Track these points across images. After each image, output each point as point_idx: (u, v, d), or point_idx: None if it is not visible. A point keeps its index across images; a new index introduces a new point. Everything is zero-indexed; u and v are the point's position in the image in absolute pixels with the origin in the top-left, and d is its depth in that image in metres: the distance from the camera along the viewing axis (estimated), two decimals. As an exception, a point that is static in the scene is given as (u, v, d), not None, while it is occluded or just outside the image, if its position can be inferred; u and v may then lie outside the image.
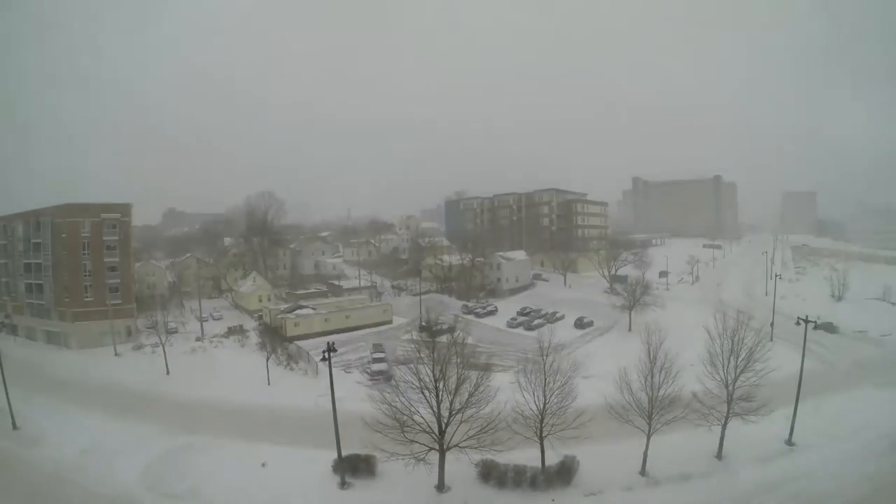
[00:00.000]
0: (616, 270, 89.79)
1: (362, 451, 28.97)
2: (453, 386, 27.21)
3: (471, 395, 27.37)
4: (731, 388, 30.07)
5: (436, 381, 27.12)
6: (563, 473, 28.21)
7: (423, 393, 27.34)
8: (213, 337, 62.89)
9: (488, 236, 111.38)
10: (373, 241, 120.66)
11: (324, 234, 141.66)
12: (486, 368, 28.96)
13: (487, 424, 26.73)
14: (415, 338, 29.79)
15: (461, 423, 27.16)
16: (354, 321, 66.79)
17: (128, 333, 62.54)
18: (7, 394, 36.59)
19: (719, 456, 30.81)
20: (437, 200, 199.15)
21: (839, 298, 78.08)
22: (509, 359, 47.03)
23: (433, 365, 27.36)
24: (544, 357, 28.11)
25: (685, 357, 30.53)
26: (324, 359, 29.46)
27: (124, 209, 66.64)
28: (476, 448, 26.73)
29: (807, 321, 34.95)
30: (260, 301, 77.60)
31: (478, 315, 73.46)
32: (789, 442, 32.54)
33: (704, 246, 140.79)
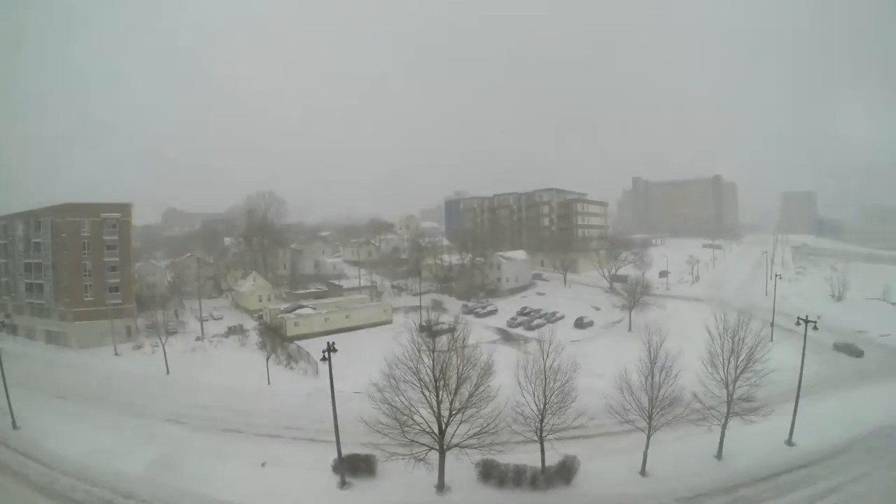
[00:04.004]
0: (616, 270, 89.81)
1: (362, 451, 29.04)
2: (453, 386, 27.20)
3: (471, 395, 27.36)
4: (731, 388, 30.09)
5: (436, 380, 27.12)
6: (563, 473, 28.22)
7: (423, 393, 27.34)
8: (213, 336, 62.84)
9: (488, 236, 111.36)
10: (373, 241, 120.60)
11: (324, 233, 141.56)
12: (487, 368, 28.88)
13: (487, 424, 26.73)
14: (415, 338, 29.71)
15: (461, 423, 27.18)
16: (354, 321, 66.78)
17: (128, 333, 62.51)
18: (7, 394, 36.58)
19: (719, 456, 30.82)
20: (437, 200, 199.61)
21: (839, 298, 78.09)
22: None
23: (433, 364, 27.35)
24: (544, 357, 28.11)
25: (685, 357, 30.52)
26: (324, 358, 29.46)
27: (124, 209, 66.64)
28: (476, 448, 26.74)
29: (807, 321, 34.94)
30: (260, 301, 77.56)
31: (478, 315, 73.47)
32: (789, 442, 32.55)
33: (704, 246, 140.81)
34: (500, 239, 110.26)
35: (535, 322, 67.88)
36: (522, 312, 73.95)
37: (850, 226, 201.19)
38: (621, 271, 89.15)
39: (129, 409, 39.86)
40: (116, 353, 57.30)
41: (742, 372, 30.01)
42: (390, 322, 69.41)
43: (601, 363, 40.43)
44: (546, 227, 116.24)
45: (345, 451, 28.59)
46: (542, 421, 27.80)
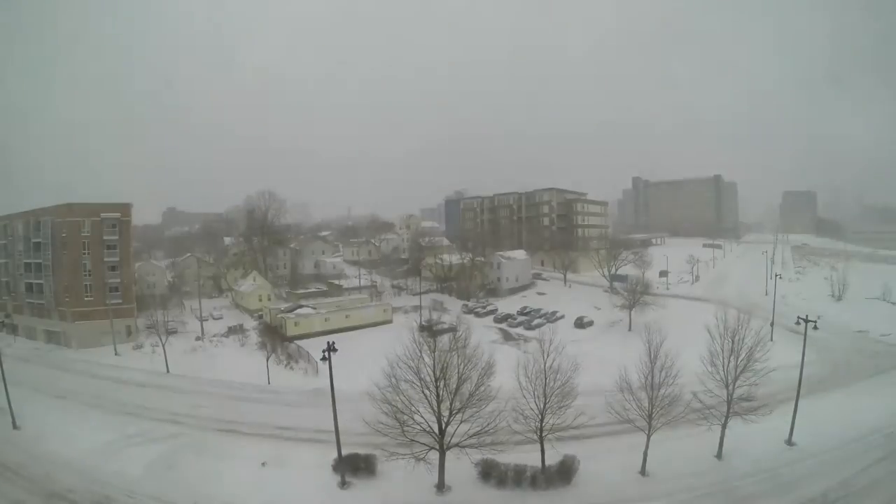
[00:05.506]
0: (616, 270, 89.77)
1: (362, 451, 29.04)
2: (454, 385, 27.21)
3: (471, 394, 27.37)
4: (731, 387, 30.07)
5: (436, 380, 27.13)
6: (563, 473, 28.22)
7: (423, 392, 27.35)
8: (213, 336, 62.83)
9: (488, 236, 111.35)
10: (373, 241, 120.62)
11: (324, 233, 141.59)
12: (488, 368, 28.88)
13: (488, 424, 26.74)
14: (416, 337, 29.72)
15: (461, 422, 27.19)
16: (354, 321, 66.76)
17: (128, 333, 62.54)
18: (7, 393, 36.58)
19: (719, 456, 30.81)
20: (437, 200, 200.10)
21: (839, 298, 78.11)
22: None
23: (434, 364, 27.36)
24: (545, 357, 28.11)
25: (685, 357, 30.53)
26: (324, 358, 29.45)
27: (124, 209, 66.65)
28: (476, 447, 26.74)
29: (807, 321, 34.93)
30: (260, 300, 77.56)
31: (478, 314, 73.50)
32: (789, 442, 32.55)
33: (704, 245, 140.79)
34: (500, 239, 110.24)
35: (535, 322, 67.88)
36: (522, 312, 73.94)
37: (850, 226, 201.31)
38: (621, 271, 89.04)
39: (129, 408, 39.85)
40: (116, 353, 57.30)
41: (742, 371, 29.99)
42: (390, 322, 69.41)
43: (601, 363, 40.39)
44: (546, 227, 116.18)
45: (345, 451, 28.61)
46: (542, 420, 27.81)
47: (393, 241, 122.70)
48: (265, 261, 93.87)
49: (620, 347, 47.20)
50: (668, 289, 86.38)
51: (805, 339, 35.02)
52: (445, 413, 27.17)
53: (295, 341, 57.96)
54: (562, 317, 70.47)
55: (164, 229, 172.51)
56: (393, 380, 27.35)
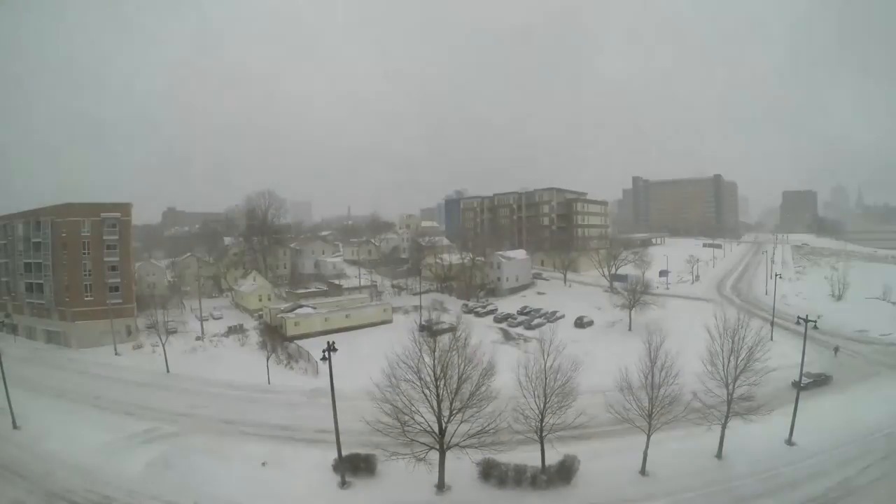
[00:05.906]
0: (616, 270, 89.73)
1: (362, 451, 29.03)
2: (454, 385, 27.19)
3: (471, 394, 27.35)
4: (731, 387, 30.08)
5: (436, 380, 27.12)
6: (564, 473, 28.22)
7: (423, 392, 27.33)
8: (213, 336, 62.78)
9: (488, 236, 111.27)
10: (373, 241, 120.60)
11: (324, 233, 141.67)
12: (489, 368, 28.85)
13: (488, 424, 26.72)
14: (416, 337, 29.71)
15: (461, 422, 27.17)
16: (355, 320, 66.74)
17: (128, 333, 62.52)
18: (7, 393, 36.57)
19: (719, 455, 30.82)
20: (437, 200, 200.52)
21: (839, 298, 78.12)
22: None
23: (434, 364, 27.35)
24: (545, 357, 28.10)
25: (685, 356, 30.52)
26: (324, 358, 29.44)
27: (124, 209, 66.59)
28: (476, 447, 26.74)
29: (807, 321, 34.93)
30: (260, 300, 77.52)
31: (478, 314, 73.47)
32: (789, 442, 32.55)
33: (704, 245, 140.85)
34: (500, 238, 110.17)
35: (535, 321, 67.83)
36: (522, 312, 73.89)
37: (850, 226, 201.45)
38: (621, 271, 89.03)
39: (128, 409, 39.85)
40: (116, 353, 57.29)
41: (742, 371, 29.99)
42: (390, 321, 69.37)
43: (601, 363, 40.37)
44: (546, 227, 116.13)
45: (345, 451, 28.61)
46: (542, 420, 27.80)
47: (393, 241, 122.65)
48: (265, 261, 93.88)
49: (620, 347, 47.15)
50: (667, 288, 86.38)
51: (805, 340, 35.01)
52: (446, 413, 27.17)
53: (295, 341, 57.89)
54: (562, 316, 70.42)
55: (164, 229, 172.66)
56: (393, 379, 27.33)
